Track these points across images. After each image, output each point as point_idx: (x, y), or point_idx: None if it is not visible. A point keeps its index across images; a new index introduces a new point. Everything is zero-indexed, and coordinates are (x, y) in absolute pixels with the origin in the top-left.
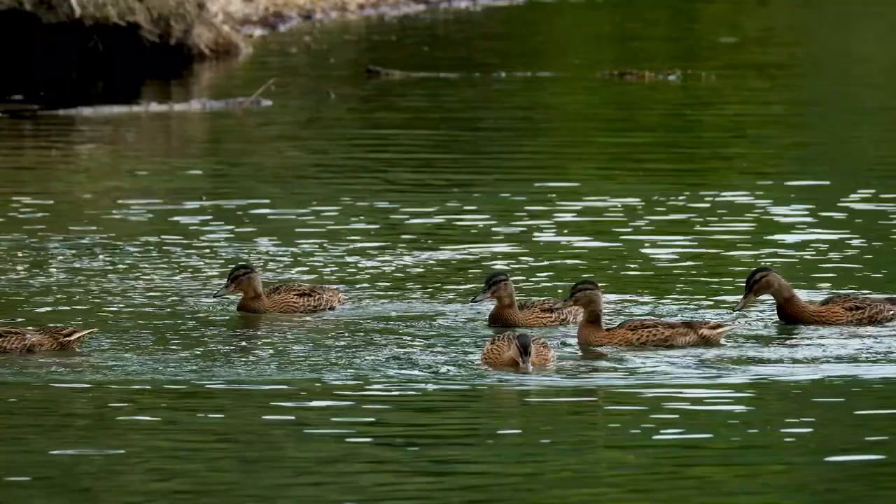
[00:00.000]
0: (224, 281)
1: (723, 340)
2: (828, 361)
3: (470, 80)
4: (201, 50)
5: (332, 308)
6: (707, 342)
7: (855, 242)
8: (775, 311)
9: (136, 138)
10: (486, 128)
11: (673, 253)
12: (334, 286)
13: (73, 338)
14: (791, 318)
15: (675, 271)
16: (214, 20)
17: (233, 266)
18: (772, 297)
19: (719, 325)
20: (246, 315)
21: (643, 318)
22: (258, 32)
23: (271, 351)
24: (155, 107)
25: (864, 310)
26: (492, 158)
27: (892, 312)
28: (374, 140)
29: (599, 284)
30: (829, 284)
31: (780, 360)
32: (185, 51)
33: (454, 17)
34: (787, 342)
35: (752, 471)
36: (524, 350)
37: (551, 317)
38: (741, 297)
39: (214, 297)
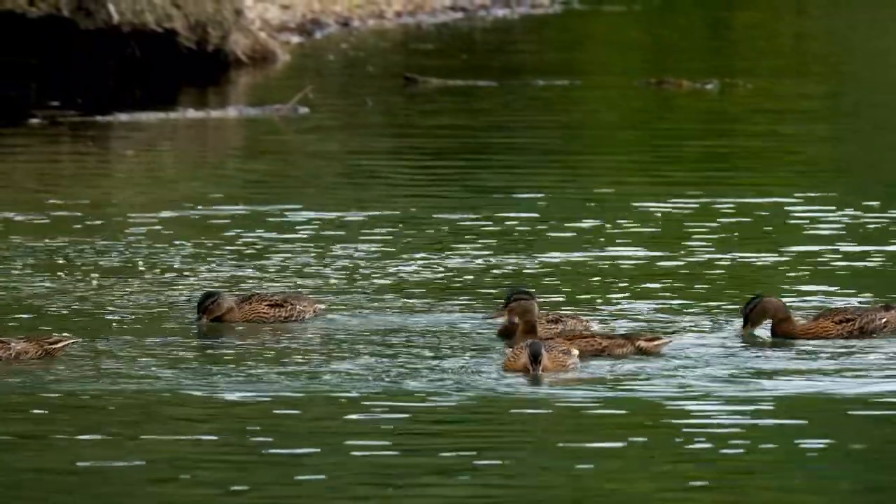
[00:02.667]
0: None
1: (663, 351)
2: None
3: (507, 88)
4: (238, 56)
5: (304, 319)
6: (645, 354)
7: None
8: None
9: (172, 145)
10: (524, 136)
11: (706, 262)
12: (311, 296)
13: (58, 346)
14: (784, 336)
15: (704, 280)
16: (251, 27)
17: (199, 297)
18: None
19: (656, 338)
20: (222, 326)
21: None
22: (295, 39)
23: (263, 363)
24: (192, 113)
25: (854, 321)
26: (529, 166)
27: (884, 320)
28: (411, 147)
29: (637, 293)
30: (870, 295)
31: (824, 373)
32: (223, 57)
33: (491, 26)
34: (826, 354)
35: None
36: (534, 358)
37: (556, 328)
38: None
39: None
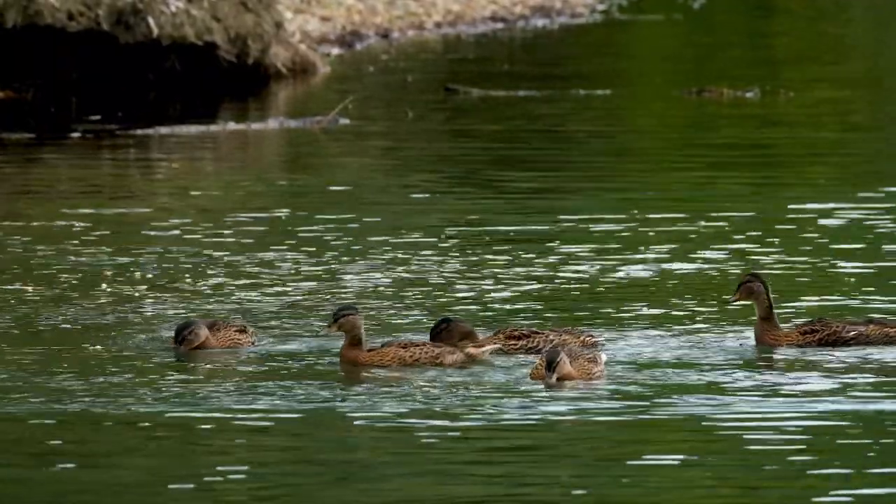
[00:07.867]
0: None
1: (488, 357)
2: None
3: (548, 97)
4: (278, 69)
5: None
6: (473, 360)
7: None
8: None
9: (213, 157)
10: (565, 145)
11: (746, 269)
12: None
13: None
14: (759, 340)
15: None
16: (292, 39)
17: (177, 327)
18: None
19: (482, 345)
20: (202, 351)
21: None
22: (335, 51)
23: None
24: (232, 126)
25: (817, 332)
26: (570, 176)
27: (852, 333)
28: (453, 158)
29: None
30: None
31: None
32: (263, 70)
33: (532, 35)
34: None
35: None
36: (548, 365)
37: (517, 344)
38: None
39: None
